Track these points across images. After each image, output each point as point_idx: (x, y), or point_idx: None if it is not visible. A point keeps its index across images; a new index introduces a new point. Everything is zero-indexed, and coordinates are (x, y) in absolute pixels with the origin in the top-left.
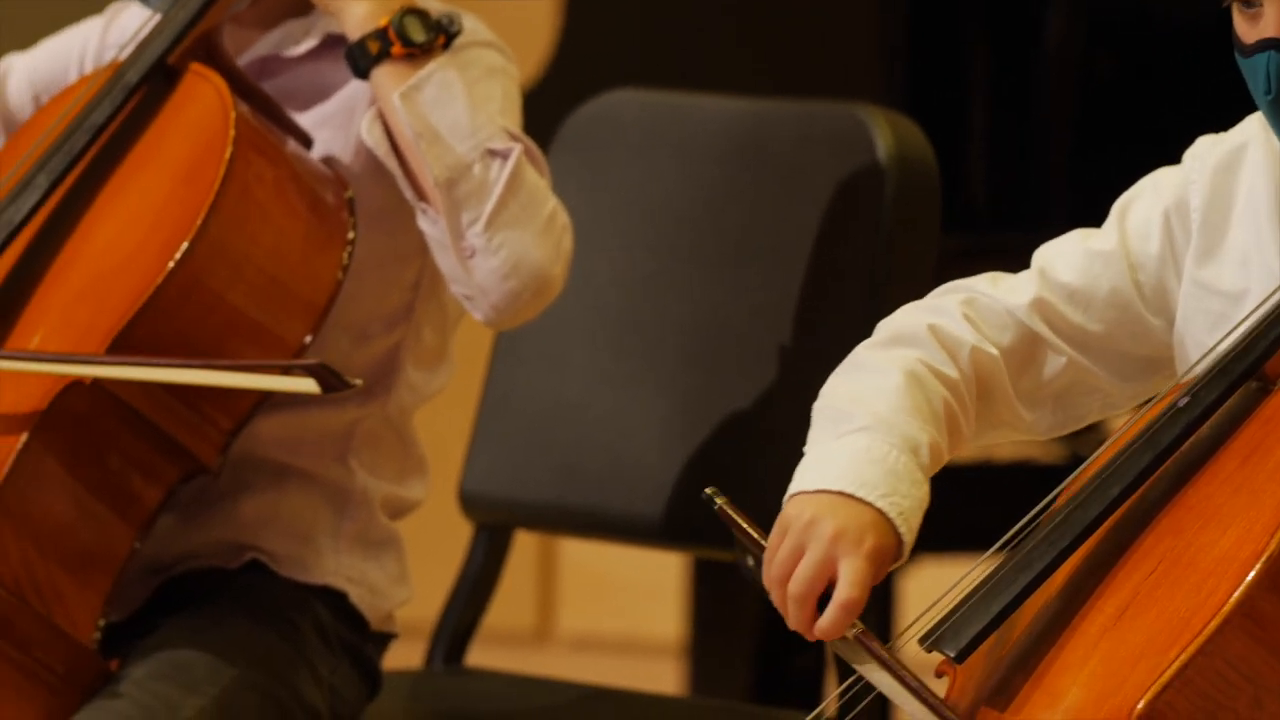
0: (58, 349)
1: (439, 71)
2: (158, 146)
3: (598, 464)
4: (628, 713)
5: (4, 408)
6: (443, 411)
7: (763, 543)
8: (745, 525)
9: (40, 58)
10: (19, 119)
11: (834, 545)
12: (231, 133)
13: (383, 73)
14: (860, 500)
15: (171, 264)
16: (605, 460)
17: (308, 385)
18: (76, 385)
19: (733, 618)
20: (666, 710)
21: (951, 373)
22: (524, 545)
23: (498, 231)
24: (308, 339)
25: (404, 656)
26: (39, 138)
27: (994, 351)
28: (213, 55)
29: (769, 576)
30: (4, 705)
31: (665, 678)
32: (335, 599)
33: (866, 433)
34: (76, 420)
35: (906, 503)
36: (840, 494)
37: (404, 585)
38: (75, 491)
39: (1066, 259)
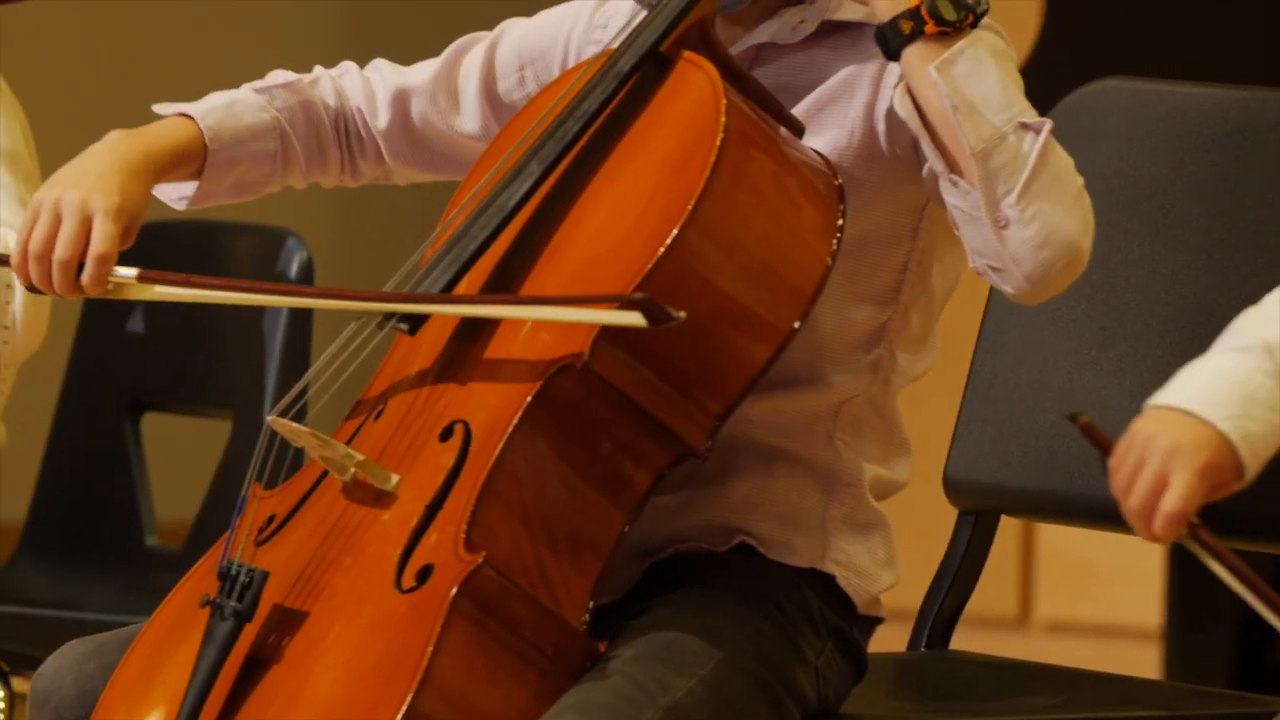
0: (551, 333)
1: (970, 48)
2: (649, 134)
3: (1082, 450)
4: (1109, 696)
5: (496, 391)
6: (929, 398)
7: None
8: (1106, 443)
9: (533, 28)
10: (500, 85)
11: (1168, 460)
12: (723, 119)
13: (914, 51)
14: (1203, 420)
15: (662, 249)
16: (1090, 447)
17: (634, 319)
18: (569, 369)
19: (1212, 605)
20: (1147, 694)
21: None
22: (1002, 530)
23: (1031, 202)
24: (796, 324)
25: (888, 641)
26: (532, 125)
27: None
28: (706, 43)
29: (1114, 488)
30: (495, 686)
31: (1143, 665)
32: (823, 582)
33: (1239, 353)
34: (568, 404)
35: (1255, 427)
36: (1186, 412)
37: (891, 569)
38: (566, 475)
39: None
